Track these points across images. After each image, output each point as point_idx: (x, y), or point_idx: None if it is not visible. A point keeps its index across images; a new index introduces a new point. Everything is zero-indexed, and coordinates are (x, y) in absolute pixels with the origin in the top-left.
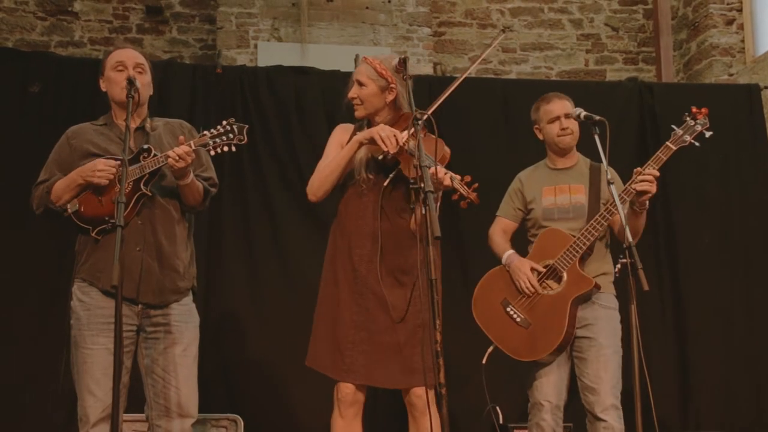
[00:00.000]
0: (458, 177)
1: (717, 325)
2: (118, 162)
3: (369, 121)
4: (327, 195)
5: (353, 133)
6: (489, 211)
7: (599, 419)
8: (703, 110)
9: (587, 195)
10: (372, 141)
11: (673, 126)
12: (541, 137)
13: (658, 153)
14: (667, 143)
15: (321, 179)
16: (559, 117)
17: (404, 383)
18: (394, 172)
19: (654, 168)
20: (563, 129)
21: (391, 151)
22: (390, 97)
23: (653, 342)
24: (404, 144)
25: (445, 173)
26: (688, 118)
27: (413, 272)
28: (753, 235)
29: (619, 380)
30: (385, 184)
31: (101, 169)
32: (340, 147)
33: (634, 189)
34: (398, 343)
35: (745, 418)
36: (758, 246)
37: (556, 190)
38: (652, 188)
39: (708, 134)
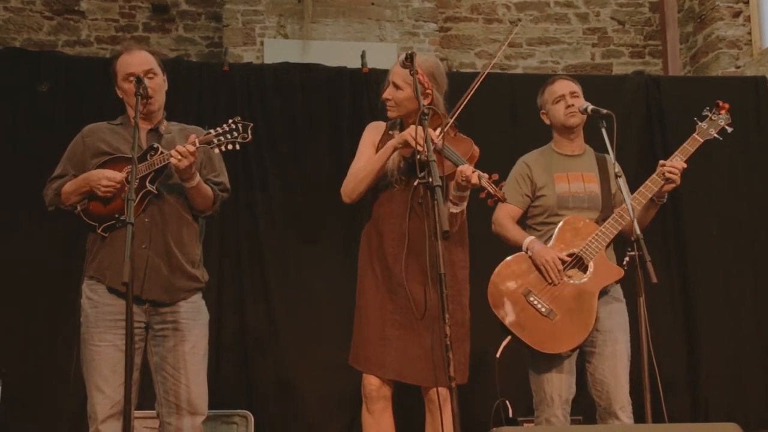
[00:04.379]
0: (486, 175)
1: (726, 316)
2: (124, 164)
3: (402, 120)
4: (360, 197)
5: (385, 131)
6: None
7: (615, 416)
8: (726, 105)
9: (599, 185)
10: (406, 144)
11: (696, 119)
12: (548, 121)
13: (685, 145)
14: (695, 135)
15: (356, 182)
16: (564, 95)
17: (432, 381)
18: (424, 172)
19: (681, 159)
20: (569, 107)
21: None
22: (425, 102)
23: (662, 334)
24: (434, 144)
25: (473, 171)
26: (710, 113)
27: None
28: (760, 226)
29: (629, 374)
30: (416, 183)
31: (105, 185)
32: (372, 146)
33: (663, 177)
34: (430, 341)
35: (754, 409)
36: (765, 237)
37: (569, 177)
38: (678, 179)
39: (729, 129)
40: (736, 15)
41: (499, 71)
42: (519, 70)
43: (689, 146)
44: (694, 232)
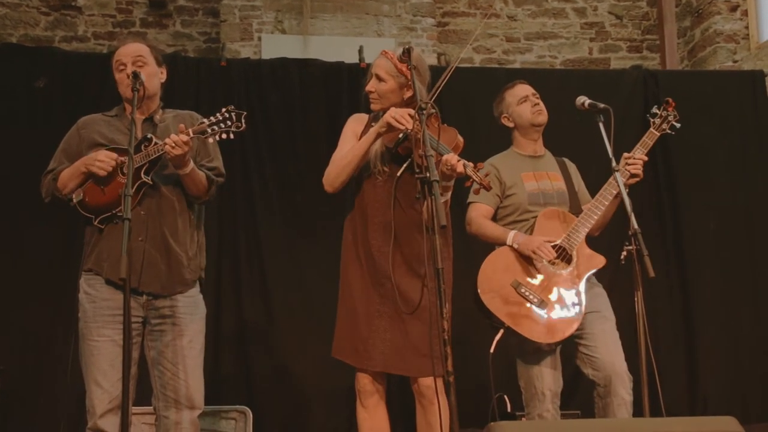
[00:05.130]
0: (471, 164)
1: (723, 310)
2: (119, 154)
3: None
4: (343, 186)
5: (368, 124)
6: None
7: (620, 396)
8: (673, 103)
9: (564, 183)
10: (389, 127)
11: (648, 116)
12: (511, 124)
13: (644, 138)
14: (651, 129)
15: (338, 170)
16: (527, 96)
17: (421, 372)
18: (407, 163)
19: (643, 152)
20: (535, 105)
21: (409, 127)
22: (408, 94)
23: (660, 328)
24: (418, 132)
25: (458, 160)
26: (659, 110)
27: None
28: (758, 219)
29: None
30: (399, 174)
31: (101, 160)
32: (354, 137)
33: (628, 171)
34: (416, 332)
35: (752, 403)
36: (763, 231)
37: (536, 175)
38: (641, 173)
39: (678, 125)
40: (734, 9)
41: (496, 66)
42: (517, 65)
43: (648, 140)
44: (692, 226)
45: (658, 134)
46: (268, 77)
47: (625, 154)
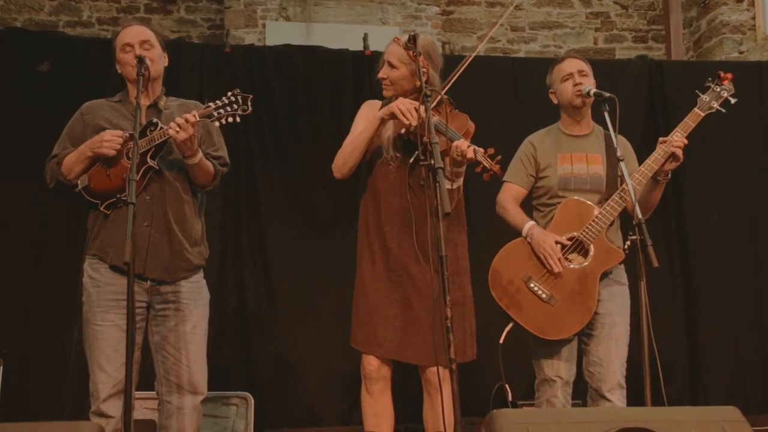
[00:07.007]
0: (481, 150)
1: (726, 301)
2: (126, 132)
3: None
4: (352, 172)
5: (380, 109)
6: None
7: (605, 398)
8: (729, 75)
9: (604, 166)
10: (393, 116)
11: (698, 92)
12: (556, 101)
13: (686, 119)
14: (695, 109)
15: (345, 156)
16: (572, 73)
17: (429, 360)
18: (419, 149)
19: (682, 135)
20: (576, 85)
21: (413, 123)
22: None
23: (663, 318)
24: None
25: (469, 146)
26: (712, 84)
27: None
28: (762, 211)
29: (625, 358)
30: (411, 161)
31: (108, 140)
32: (366, 123)
33: (664, 154)
34: (429, 321)
35: (753, 394)
36: (767, 223)
37: (573, 157)
38: (681, 156)
39: (733, 100)
40: (740, 0)
41: (501, 55)
42: (521, 54)
43: (690, 121)
44: (695, 217)
45: (703, 114)
46: (272, 64)
47: (661, 138)
